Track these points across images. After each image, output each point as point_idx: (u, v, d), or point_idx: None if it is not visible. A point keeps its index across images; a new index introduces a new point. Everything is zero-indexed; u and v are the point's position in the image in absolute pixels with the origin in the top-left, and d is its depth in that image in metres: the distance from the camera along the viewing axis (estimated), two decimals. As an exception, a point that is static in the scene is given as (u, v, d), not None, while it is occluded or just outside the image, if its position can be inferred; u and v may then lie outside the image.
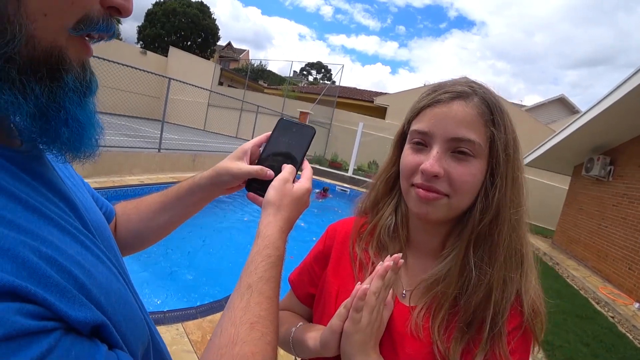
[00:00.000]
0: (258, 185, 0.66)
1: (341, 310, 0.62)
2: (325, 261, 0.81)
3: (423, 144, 0.64)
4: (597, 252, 7.32)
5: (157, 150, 7.41)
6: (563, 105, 23.35)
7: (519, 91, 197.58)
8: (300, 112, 13.06)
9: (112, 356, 0.34)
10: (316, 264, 0.82)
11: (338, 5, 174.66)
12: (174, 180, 6.83)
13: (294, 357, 0.78)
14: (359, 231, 0.78)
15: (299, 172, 0.68)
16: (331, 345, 0.63)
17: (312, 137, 0.70)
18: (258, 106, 12.13)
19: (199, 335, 2.32)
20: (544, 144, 9.32)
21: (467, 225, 0.63)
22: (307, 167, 0.69)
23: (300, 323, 0.76)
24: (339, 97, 18.43)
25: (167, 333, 2.26)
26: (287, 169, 0.65)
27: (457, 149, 0.61)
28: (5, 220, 0.30)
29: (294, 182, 0.64)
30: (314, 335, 0.68)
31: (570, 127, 7.92)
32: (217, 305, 2.74)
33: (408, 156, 0.66)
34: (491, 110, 0.62)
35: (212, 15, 33.74)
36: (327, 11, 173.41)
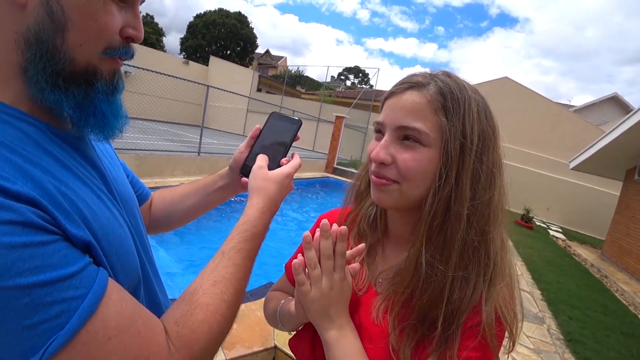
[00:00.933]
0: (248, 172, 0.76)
1: (299, 278, 0.64)
2: None
3: (381, 133, 0.66)
4: (652, 264, 6.83)
5: (196, 154, 7.72)
6: (617, 104, 21.87)
7: (569, 90, 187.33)
8: (336, 116, 13.09)
9: (93, 267, 0.44)
10: None
11: (374, 9, 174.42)
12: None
13: (280, 330, 0.83)
14: (343, 220, 0.81)
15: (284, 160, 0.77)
16: (300, 313, 0.68)
17: (298, 128, 0.80)
18: (294, 111, 12.31)
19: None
20: (591, 147, 8.81)
21: (420, 217, 0.63)
22: (295, 157, 0.78)
23: (289, 298, 0.80)
24: (375, 100, 18.35)
25: None
26: (259, 157, 0.74)
27: (405, 136, 0.62)
28: (43, 168, 0.45)
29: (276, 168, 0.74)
30: (293, 304, 0.72)
31: (621, 127, 7.43)
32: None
33: (370, 146, 0.68)
34: (445, 98, 0.60)
35: (250, 25, 34.79)
36: (363, 15, 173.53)
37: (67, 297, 0.39)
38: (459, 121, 0.60)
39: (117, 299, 0.44)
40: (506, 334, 0.61)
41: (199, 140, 7.99)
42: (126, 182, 0.70)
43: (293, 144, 0.80)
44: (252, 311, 2.66)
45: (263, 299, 2.80)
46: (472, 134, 0.60)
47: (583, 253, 9.00)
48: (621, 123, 7.43)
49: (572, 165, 10.05)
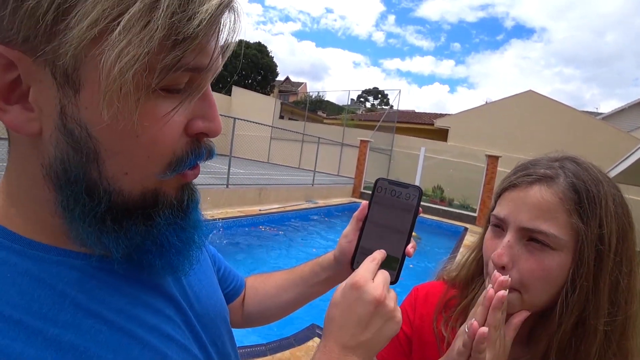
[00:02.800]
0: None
1: (460, 348, 0.54)
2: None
3: (501, 228, 0.58)
4: None
5: (225, 185, 7.76)
6: (648, 108, 20.97)
7: (593, 97, 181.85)
8: (361, 140, 13.07)
9: None
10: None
11: (390, 30, 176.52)
12: (242, 215, 7.08)
13: None
14: (447, 304, 0.71)
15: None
16: None
17: (420, 197, 0.58)
18: (319, 137, 12.38)
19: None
20: (630, 155, 8.37)
21: (545, 328, 0.55)
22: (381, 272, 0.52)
23: None
24: (398, 122, 18.28)
25: None
26: (363, 266, 0.51)
27: (531, 237, 0.55)
28: (77, 328, 0.34)
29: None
30: None
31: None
32: (286, 343, 2.72)
33: (487, 240, 0.61)
34: (579, 197, 0.53)
35: (270, 54, 35.80)
36: (378, 37, 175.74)
37: None
38: (596, 223, 0.52)
39: None
40: None
41: (226, 171, 8.07)
42: (212, 291, 0.56)
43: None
44: (298, 358, 2.55)
45: (307, 343, 2.69)
46: (611, 236, 0.52)
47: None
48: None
49: (610, 176, 9.57)
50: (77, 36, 0.28)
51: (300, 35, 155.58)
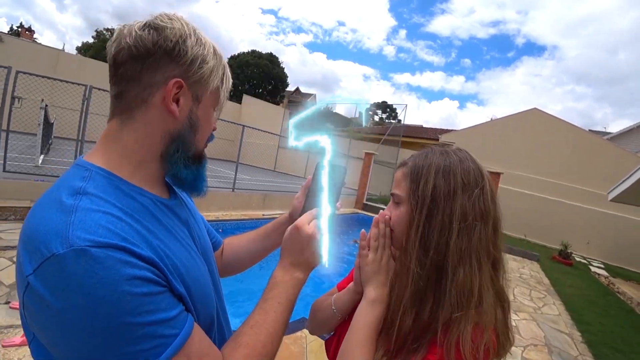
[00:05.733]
0: None
1: (362, 244, 0.88)
2: None
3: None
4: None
5: (231, 189, 8.06)
6: (656, 129, 20.89)
7: (604, 116, 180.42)
8: (365, 153, 13.32)
9: (185, 314, 0.60)
10: None
11: (400, 44, 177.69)
12: (245, 218, 7.36)
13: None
14: None
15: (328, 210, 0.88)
16: (356, 277, 0.89)
17: (344, 173, 0.92)
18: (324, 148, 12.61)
19: None
20: (631, 176, 8.47)
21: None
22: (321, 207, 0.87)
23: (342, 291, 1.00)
24: (404, 136, 18.52)
25: None
26: (303, 216, 0.83)
27: (393, 198, 0.87)
28: (155, 235, 0.63)
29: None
30: (348, 289, 0.96)
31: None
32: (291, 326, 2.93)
33: None
34: (412, 171, 0.83)
35: (281, 64, 36.42)
36: (389, 51, 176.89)
37: (165, 334, 0.54)
38: (417, 186, 0.81)
39: (198, 339, 0.60)
40: None
41: (233, 176, 8.36)
42: (205, 235, 0.87)
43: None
44: (286, 345, 2.77)
45: (296, 333, 2.93)
46: (425, 193, 0.79)
47: (628, 291, 8.50)
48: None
49: (611, 196, 9.65)
50: (213, 86, 0.71)
51: (312, 47, 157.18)
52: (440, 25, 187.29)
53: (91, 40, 33.99)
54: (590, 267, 11.17)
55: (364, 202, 12.97)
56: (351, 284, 0.95)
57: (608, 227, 13.31)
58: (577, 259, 11.77)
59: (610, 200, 9.94)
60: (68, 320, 0.49)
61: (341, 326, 0.96)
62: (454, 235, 0.74)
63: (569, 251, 11.00)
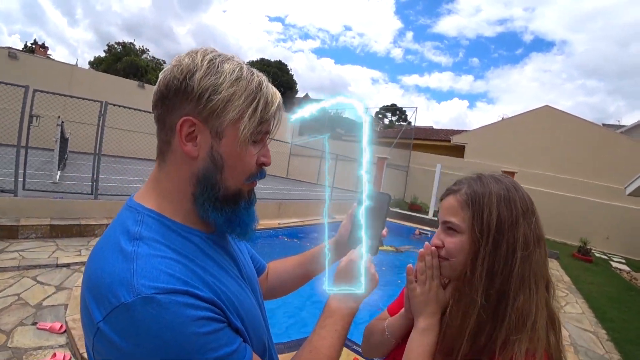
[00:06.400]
0: None
1: (410, 278, 0.91)
2: None
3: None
4: None
5: (248, 201, 8.16)
6: (671, 122, 20.57)
7: (617, 109, 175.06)
8: (378, 157, 13.36)
9: (244, 345, 0.63)
10: None
11: (407, 47, 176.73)
12: (262, 227, 7.39)
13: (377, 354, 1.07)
14: None
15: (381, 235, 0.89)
16: (407, 307, 0.94)
17: (389, 201, 0.92)
18: (337, 154, 12.72)
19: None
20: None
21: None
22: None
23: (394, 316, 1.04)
24: (415, 138, 18.51)
25: None
26: (356, 250, 0.84)
27: (448, 226, 0.87)
28: (209, 272, 0.65)
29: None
30: (399, 315, 0.99)
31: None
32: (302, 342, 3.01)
33: None
34: (471, 199, 0.83)
35: (290, 71, 36.71)
36: (397, 54, 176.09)
37: None
38: (480, 214, 0.81)
39: None
40: None
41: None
42: (250, 264, 0.89)
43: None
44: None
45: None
46: (490, 223, 0.79)
47: (649, 285, 8.41)
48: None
49: (629, 190, 9.55)
50: (230, 118, 0.64)
51: (319, 52, 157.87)
52: (446, 25, 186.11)
53: (103, 54, 34.75)
54: (611, 262, 11.01)
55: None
56: (402, 310, 0.98)
57: (627, 221, 13.08)
58: (597, 255, 11.62)
59: (628, 195, 9.83)
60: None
61: (395, 350, 0.99)
62: (517, 263, 0.77)
63: (589, 247, 10.87)
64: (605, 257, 11.98)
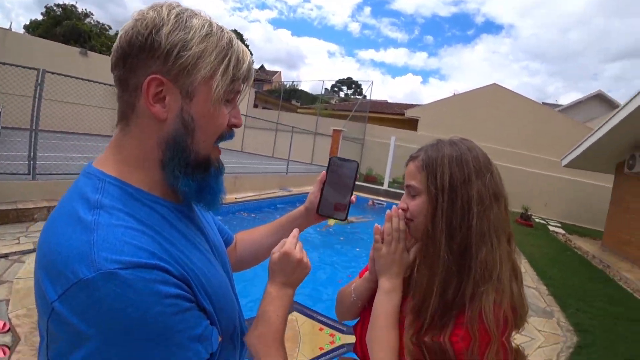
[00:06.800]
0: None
1: (376, 237, 0.94)
2: None
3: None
4: (651, 252, 7.04)
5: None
6: (601, 101, 22.24)
7: (556, 90, 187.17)
8: (333, 129, 13.38)
9: (210, 328, 0.61)
10: None
11: (365, 21, 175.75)
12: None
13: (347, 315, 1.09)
14: None
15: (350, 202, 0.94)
16: (371, 268, 0.96)
17: (357, 168, 0.95)
18: (292, 127, 12.59)
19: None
20: (581, 144, 9.10)
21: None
22: (292, 234, 0.86)
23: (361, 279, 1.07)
24: (370, 112, 18.65)
25: None
26: (288, 241, 0.84)
27: (409, 190, 0.92)
28: (177, 247, 0.60)
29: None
30: (364, 277, 1.02)
31: (608, 124, 7.74)
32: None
33: None
34: (426, 163, 0.89)
35: (246, 42, 35.37)
36: (354, 27, 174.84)
37: (195, 350, 0.56)
38: (434, 176, 0.86)
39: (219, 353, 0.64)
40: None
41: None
42: (218, 236, 0.86)
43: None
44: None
45: (289, 316, 3.01)
46: (444, 183, 0.84)
47: (584, 246, 9.20)
48: (608, 120, 7.72)
49: (564, 162, 10.32)
50: (201, 76, 0.59)
51: (276, 23, 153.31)
52: (404, 2, 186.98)
53: (40, 18, 31.49)
54: (549, 227, 11.91)
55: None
56: (367, 273, 1.01)
57: (563, 190, 14.22)
58: (537, 221, 12.50)
59: (564, 166, 10.63)
60: (99, 345, 0.48)
61: (364, 312, 1.02)
62: (474, 218, 0.81)
63: (530, 214, 11.68)
64: (544, 222, 12.94)
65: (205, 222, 0.79)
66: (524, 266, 6.45)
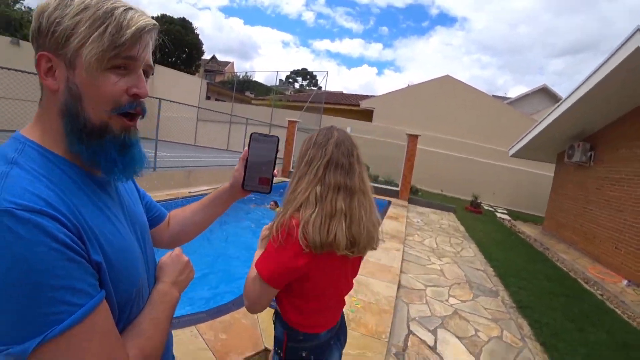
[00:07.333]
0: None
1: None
2: None
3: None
4: (585, 235, 7.63)
5: (152, 169, 7.56)
6: (546, 94, 23.72)
7: (505, 83, 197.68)
8: (289, 120, 13.23)
9: (96, 288, 0.61)
10: None
11: (319, 10, 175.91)
12: (169, 198, 6.95)
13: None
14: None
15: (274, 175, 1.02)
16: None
17: (278, 143, 1.01)
18: (247, 119, 12.33)
19: (212, 334, 2.53)
20: (526, 135, 9.61)
21: None
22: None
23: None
24: (325, 103, 18.70)
25: (183, 335, 2.48)
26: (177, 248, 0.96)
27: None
28: (76, 205, 0.63)
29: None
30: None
31: (550, 117, 8.25)
32: (224, 308, 2.93)
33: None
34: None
35: (195, 30, 33.86)
36: (308, 17, 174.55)
37: (72, 302, 0.55)
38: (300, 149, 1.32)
39: (104, 316, 0.61)
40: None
41: (153, 155, 7.82)
42: (140, 211, 0.89)
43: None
44: (237, 320, 2.76)
45: (243, 307, 2.92)
46: (301, 150, 1.30)
47: (527, 230, 9.80)
48: (550, 113, 8.23)
49: (511, 152, 10.86)
50: (73, 46, 0.63)
51: (228, 11, 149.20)
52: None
53: None
54: (496, 213, 12.56)
55: (290, 169, 13.01)
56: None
57: (509, 178, 15.02)
58: (486, 208, 13.16)
59: (511, 156, 11.20)
60: None
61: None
62: (302, 166, 1.24)
63: (479, 201, 12.23)
64: (492, 209, 13.61)
65: (125, 194, 0.84)
66: (473, 250, 6.88)
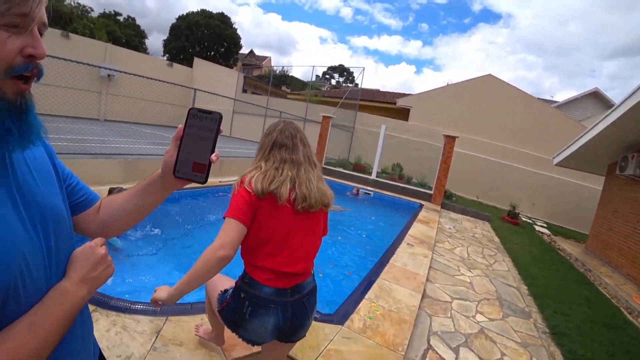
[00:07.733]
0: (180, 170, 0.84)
1: None
2: None
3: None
4: (633, 258, 6.97)
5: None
6: (597, 99, 22.13)
7: (552, 86, 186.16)
8: (323, 116, 13.10)
9: None
10: None
11: (358, 6, 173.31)
12: (198, 186, 7.03)
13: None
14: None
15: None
16: None
17: (219, 121, 0.82)
18: (280, 112, 12.31)
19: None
20: (573, 143, 8.98)
21: None
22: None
23: None
24: (361, 100, 18.42)
25: (193, 322, 2.47)
26: (98, 239, 0.83)
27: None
28: None
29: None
30: None
31: (601, 124, 7.59)
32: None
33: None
34: None
35: (234, 25, 34.33)
36: (346, 13, 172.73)
37: None
38: None
39: None
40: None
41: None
42: (50, 193, 0.78)
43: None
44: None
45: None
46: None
47: (568, 247, 9.18)
48: (602, 119, 7.57)
49: (556, 161, 10.21)
50: None
51: (266, 7, 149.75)
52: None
53: None
54: (535, 226, 11.89)
55: (323, 165, 12.89)
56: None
57: (551, 189, 14.13)
58: (524, 219, 12.48)
59: (555, 165, 10.52)
60: None
61: None
62: (257, 151, 1.69)
63: (517, 212, 11.62)
64: (531, 221, 12.93)
65: (27, 170, 0.73)
66: (507, 264, 6.45)
